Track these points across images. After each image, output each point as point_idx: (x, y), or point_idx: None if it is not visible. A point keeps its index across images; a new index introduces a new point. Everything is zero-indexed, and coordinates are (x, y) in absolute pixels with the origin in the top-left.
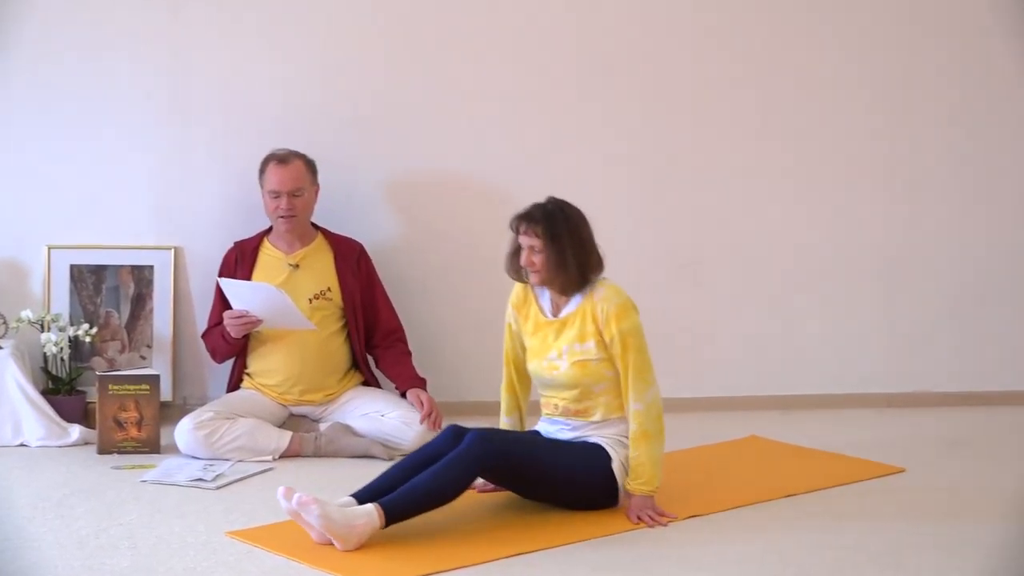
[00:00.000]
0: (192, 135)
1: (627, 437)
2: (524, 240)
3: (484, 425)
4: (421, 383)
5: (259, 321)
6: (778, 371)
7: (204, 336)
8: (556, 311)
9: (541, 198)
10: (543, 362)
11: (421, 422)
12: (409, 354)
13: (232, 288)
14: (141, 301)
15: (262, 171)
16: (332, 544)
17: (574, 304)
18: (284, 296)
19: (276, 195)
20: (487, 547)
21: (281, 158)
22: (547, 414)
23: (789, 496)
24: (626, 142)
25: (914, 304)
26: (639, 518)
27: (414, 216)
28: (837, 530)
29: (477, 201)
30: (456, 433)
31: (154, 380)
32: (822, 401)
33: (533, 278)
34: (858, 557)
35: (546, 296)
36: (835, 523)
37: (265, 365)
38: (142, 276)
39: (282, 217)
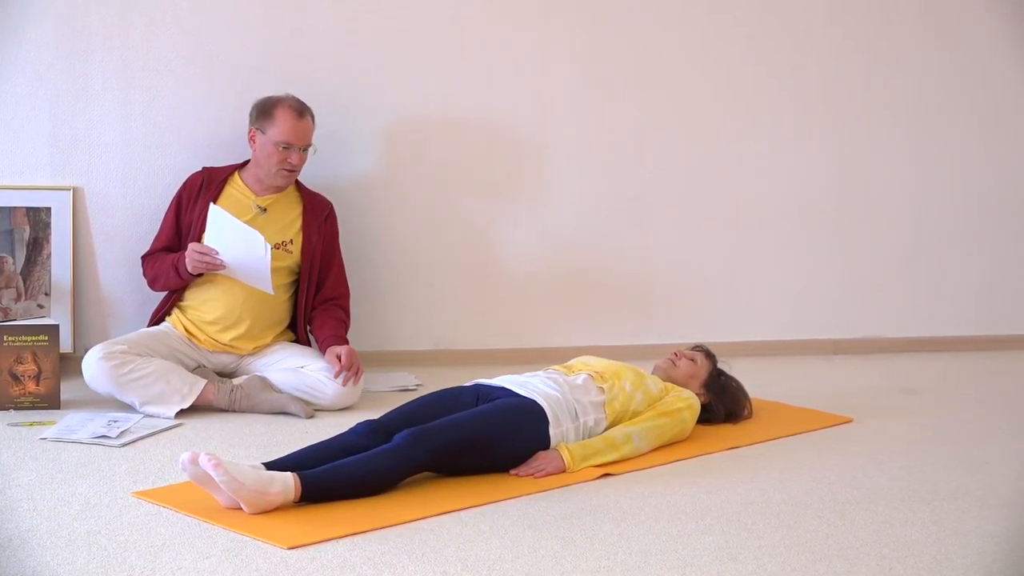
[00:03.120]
0: (90, 66)
1: (583, 418)
2: None
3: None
4: (341, 338)
5: (221, 266)
6: (722, 317)
7: (145, 258)
8: None
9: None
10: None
11: (335, 377)
12: (341, 321)
13: (219, 219)
14: (38, 245)
15: (270, 114)
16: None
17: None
18: (267, 250)
19: (287, 147)
20: (415, 505)
21: (299, 110)
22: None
23: (731, 448)
24: (567, 76)
25: (863, 250)
26: (529, 468)
27: (340, 156)
28: (780, 484)
29: (408, 140)
30: (372, 429)
31: (53, 330)
32: (766, 348)
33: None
34: (801, 511)
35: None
36: (778, 476)
37: (204, 301)
38: (38, 218)
39: (288, 171)
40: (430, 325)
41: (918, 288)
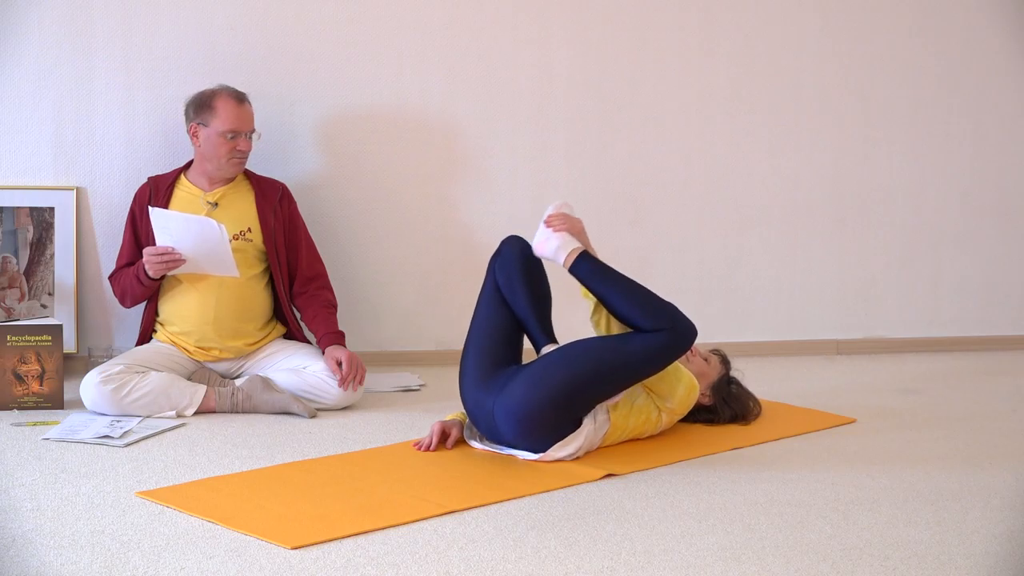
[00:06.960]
0: (93, 66)
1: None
2: None
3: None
4: (339, 337)
5: (182, 260)
6: (722, 317)
7: (112, 278)
8: None
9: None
10: None
11: (339, 386)
12: (331, 306)
13: (163, 219)
14: (41, 246)
15: (209, 106)
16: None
17: None
18: (223, 231)
19: (234, 135)
20: (418, 506)
21: (238, 97)
22: None
23: (734, 449)
24: (564, 74)
25: (865, 250)
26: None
27: (338, 154)
28: (783, 484)
29: (405, 138)
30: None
31: (56, 330)
32: (769, 348)
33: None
34: (804, 511)
35: None
36: (781, 477)
37: (178, 309)
38: (42, 219)
39: (237, 159)
40: (432, 326)
41: (918, 288)
